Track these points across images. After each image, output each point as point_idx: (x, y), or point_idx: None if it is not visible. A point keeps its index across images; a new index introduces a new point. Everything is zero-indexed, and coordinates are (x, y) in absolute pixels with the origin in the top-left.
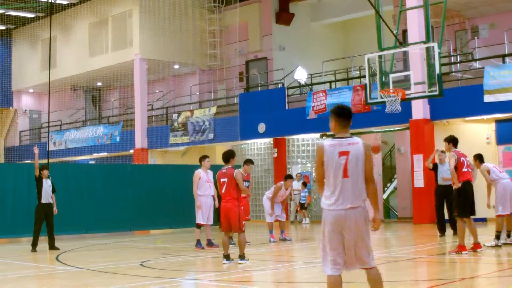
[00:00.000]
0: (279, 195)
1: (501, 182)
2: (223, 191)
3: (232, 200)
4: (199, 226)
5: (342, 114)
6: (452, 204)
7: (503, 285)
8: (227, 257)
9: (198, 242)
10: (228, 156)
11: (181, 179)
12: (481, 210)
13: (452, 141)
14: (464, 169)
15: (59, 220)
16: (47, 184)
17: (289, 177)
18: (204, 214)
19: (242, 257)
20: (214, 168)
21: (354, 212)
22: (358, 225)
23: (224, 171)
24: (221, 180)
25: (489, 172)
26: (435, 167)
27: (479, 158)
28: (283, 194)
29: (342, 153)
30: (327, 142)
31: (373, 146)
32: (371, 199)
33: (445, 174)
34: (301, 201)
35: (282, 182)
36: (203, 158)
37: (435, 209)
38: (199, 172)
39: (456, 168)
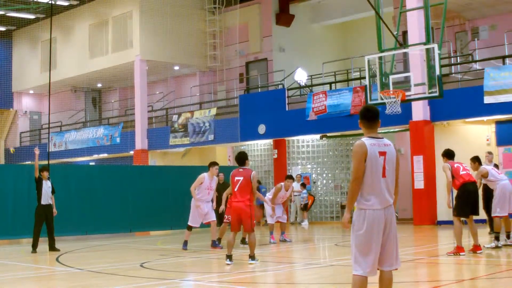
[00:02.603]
0: (279, 196)
1: (500, 184)
2: (236, 189)
3: (244, 200)
4: (190, 228)
5: (368, 116)
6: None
7: (503, 286)
8: (229, 257)
9: (185, 243)
10: (244, 158)
11: (181, 180)
12: (481, 211)
13: (446, 155)
14: (462, 172)
15: (59, 222)
16: (47, 185)
17: (289, 177)
18: (196, 217)
19: (252, 257)
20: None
21: (391, 210)
22: (394, 222)
23: (240, 170)
24: (236, 178)
25: (487, 174)
26: None
27: (478, 160)
28: (283, 196)
29: (381, 153)
30: (367, 141)
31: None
32: (394, 199)
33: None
34: (304, 202)
35: (282, 184)
36: (212, 164)
37: (483, 208)
38: (204, 176)
39: (453, 176)
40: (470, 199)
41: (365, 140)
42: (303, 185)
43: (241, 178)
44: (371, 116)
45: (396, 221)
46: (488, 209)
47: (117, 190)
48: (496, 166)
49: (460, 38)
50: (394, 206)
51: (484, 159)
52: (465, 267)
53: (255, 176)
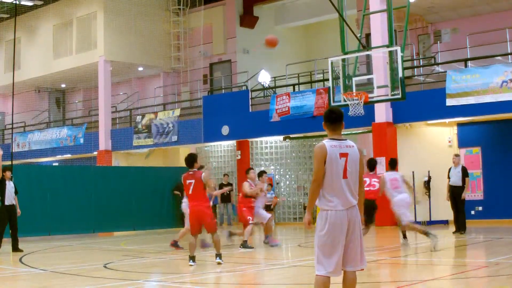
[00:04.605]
0: (253, 190)
1: (393, 197)
2: (190, 192)
3: (202, 202)
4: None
5: (331, 118)
6: (458, 204)
7: (466, 286)
8: (193, 258)
9: (206, 243)
10: (192, 160)
11: (145, 181)
12: (442, 212)
13: (390, 163)
14: (366, 188)
15: (23, 222)
16: (10, 185)
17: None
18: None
19: (220, 256)
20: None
21: (355, 212)
22: (358, 223)
23: (190, 173)
24: (187, 181)
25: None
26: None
27: (389, 163)
28: (256, 189)
29: (342, 155)
30: (327, 142)
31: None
32: (359, 200)
33: (455, 177)
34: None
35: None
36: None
37: (451, 208)
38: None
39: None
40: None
41: (326, 142)
42: (271, 185)
43: (193, 181)
44: (335, 118)
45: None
46: (456, 208)
47: (81, 190)
48: (464, 168)
49: (422, 41)
50: (360, 207)
51: (452, 161)
52: (427, 268)
53: (206, 176)
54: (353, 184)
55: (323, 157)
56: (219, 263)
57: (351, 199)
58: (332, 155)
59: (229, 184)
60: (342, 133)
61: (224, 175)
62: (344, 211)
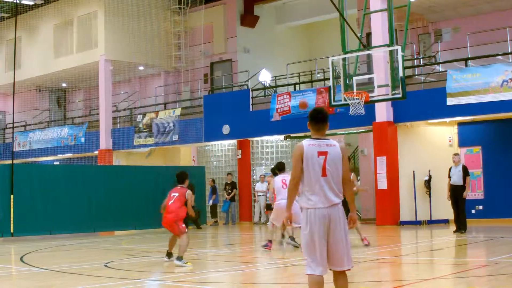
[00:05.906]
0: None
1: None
2: (170, 203)
3: (173, 216)
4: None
5: (317, 118)
6: (458, 203)
7: (466, 285)
8: (169, 255)
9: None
10: (184, 177)
11: (146, 180)
12: (442, 211)
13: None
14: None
15: (24, 221)
16: None
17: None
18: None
19: (179, 258)
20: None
21: (336, 210)
22: (341, 222)
23: (178, 187)
24: (172, 194)
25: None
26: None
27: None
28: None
29: (321, 153)
30: (306, 142)
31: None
32: (348, 199)
33: (455, 177)
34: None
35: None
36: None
37: (452, 207)
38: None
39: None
40: None
41: (305, 141)
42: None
43: (177, 194)
44: (319, 118)
45: (360, 221)
46: (457, 207)
47: (82, 189)
48: (464, 167)
49: (423, 40)
50: (351, 205)
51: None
52: (428, 267)
53: (190, 195)
54: (334, 183)
55: (300, 155)
56: (177, 266)
57: (331, 197)
58: (309, 154)
59: (232, 186)
60: (344, 132)
61: (228, 174)
62: (325, 209)
